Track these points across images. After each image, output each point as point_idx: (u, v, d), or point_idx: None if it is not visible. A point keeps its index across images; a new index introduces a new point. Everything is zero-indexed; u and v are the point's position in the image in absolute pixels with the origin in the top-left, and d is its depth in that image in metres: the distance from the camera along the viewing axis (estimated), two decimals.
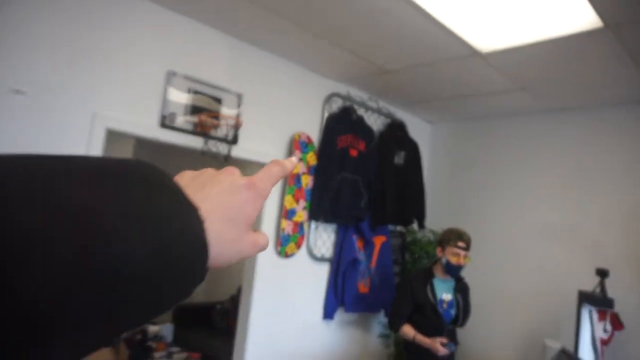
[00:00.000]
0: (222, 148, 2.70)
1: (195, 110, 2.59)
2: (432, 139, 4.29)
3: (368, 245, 3.51)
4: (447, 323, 2.71)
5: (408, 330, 2.66)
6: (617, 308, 2.75)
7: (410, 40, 2.56)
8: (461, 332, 3.10)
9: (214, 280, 5.58)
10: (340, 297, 3.35)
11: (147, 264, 0.25)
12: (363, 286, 3.46)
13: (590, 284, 2.85)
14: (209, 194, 0.34)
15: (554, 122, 3.48)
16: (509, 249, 3.54)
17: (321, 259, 3.31)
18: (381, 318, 3.68)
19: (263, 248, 0.38)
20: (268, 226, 3.01)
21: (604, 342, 2.67)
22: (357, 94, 3.54)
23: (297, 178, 3.09)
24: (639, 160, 3.05)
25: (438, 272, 2.75)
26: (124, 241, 0.24)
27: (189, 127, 2.57)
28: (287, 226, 3.06)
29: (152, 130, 2.46)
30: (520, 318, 3.40)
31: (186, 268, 0.28)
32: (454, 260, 2.64)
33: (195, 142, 2.60)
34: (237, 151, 2.80)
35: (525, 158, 3.60)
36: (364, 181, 3.41)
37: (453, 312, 2.73)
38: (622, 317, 2.80)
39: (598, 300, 2.76)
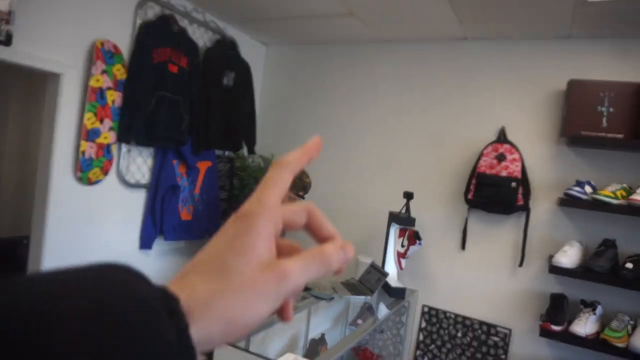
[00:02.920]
0: None
1: None
2: (266, 62, 4.10)
3: (191, 171, 3.30)
4: None
5: None
6: (418, 226, 3.06)
7: None
8: None
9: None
10: (159, 225, 3.13)
11: None
12: (186, 213, 3.28)
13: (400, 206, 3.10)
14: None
15: (383, 54, 3.56)
16: (332, 177, 3.67)
17: (136, 186, 3.01)
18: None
19: (293, 272, 0.34)
20: (62, 150, 2.58)
21: (401, 255, 2.97)
22: (179, 2, 3.13)
23: (99, 93, 2.66)
24: (450, 93, 3.31)
25: None
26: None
27: None
28: (89, 149, 2.66)
29: None
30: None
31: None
32: None
33: None
34: (10, 55, 2.26)
35: (357, 88, 3.66)
36: (186, 102, 3.11)
37: None
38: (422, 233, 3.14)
39: (403, 220, 3.03)
